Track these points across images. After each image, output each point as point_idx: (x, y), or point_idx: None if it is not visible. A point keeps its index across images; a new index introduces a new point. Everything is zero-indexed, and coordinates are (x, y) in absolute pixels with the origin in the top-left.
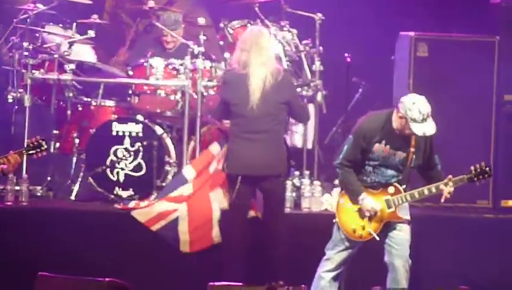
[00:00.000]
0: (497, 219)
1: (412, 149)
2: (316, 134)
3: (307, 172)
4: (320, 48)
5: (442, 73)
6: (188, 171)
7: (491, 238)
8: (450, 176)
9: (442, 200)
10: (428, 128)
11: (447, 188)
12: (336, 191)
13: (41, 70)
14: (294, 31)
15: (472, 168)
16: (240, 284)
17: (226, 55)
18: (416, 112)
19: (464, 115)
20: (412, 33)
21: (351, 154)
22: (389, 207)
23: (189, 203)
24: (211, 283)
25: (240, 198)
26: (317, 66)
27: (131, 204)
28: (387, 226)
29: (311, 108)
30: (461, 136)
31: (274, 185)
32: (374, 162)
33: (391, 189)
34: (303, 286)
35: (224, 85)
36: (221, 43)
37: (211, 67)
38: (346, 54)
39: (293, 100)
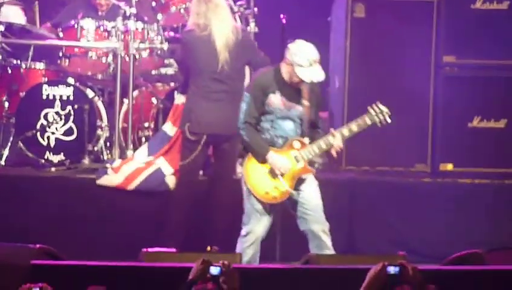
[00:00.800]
0: (435, 182)
1: (306, 103)
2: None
3: None
4: (255, 9)
5: (379, 35)
6: (169, 127)
7: (430, 203)
8: (332, 129)
9: (333, 152)
10: (315, 74)
11: (335, 140)
12: (239, 160)
13: None
14: None
15: (369, 108)
16: (174, 250)
17: (159, 16)
18: (302, 57)
19: (403, 77)
20: None
21: (253, 110)
22: (298, 162)
23: (166, 156)
24: (144, 249)
25: (196, 160)
26: (252, 27)
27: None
28: (296, 190)
29: (246, 70)
30: (399, 98)
31: (233, 147)
32: (271, 115)
33: (296, 143)
34: (238, 252)
35: (185, 47)
36: (154, 4)
37: (143, 29)
38: (281, 15)
39: (254, 58)
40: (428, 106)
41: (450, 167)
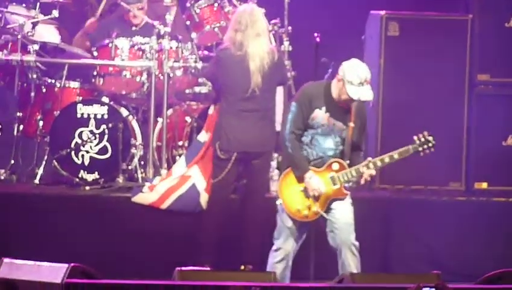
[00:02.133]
0: (469, 201)
1: (352, 124)
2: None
3: (275, 155)
4: (289, 27)
5: (413, 53)
6: (202, 135)
7: (464, 222)
8: (370, 158)
9: (362, 182)
10: (364, 93)
11: (368, 170)
12: (277, 173)
13: (4, 51)
14: (262, 10)
15: (415, 138)
16: (207, 268)
17: (193, 35)
18: (353, 75)
19: (437, 96)
20: (382, 12)
21: (298, 121)
22: (334, 184)
23: (199, 164)
24: (178, 268)
25: (227, 178)
26: (286, 46)
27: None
28: (328, 209)
29: (279, 89)
30: (434, 117)
31: (265, 163)
32: (313, 130)
33: (335, 165)
34: (272, 271)
35: (218, 64)
36: (188, 23)
37: (177, 47)
38: (315, 34)
39: (285, 78)
40: (462, 124)
41: (484, 185)
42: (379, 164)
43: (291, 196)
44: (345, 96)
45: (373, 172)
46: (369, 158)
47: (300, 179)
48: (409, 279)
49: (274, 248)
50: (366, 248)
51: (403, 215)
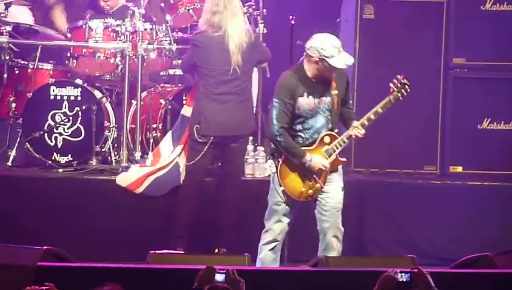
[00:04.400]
0: (444, 185)
1: (335, 92)
2: (260, 99)
3: (250, 138)
4: (264, 10)
5: (389, 36)
6: (186, 109)
7: (439, 205)
8: (355, 122)
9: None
10: (347, 58)
11: (358, 130)
12: (269, 162)
13: None
14: None
15: (392, 85)
16: (181, 252)
17: (167, 17)
18: (330, 48)
19: (412, 79)
20: None
21: (284, 115)
22: (330, 156)
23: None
24: (152, 251)
25: (202, 162)
26: (261, 28)
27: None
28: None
29: (254, 72)
30: (408, 100)
31: (241, 147)
32: (301, 117)
33: (327, 138)
34: (246, 254)
35: (196, 49)
36: (162, 4)
37: (151, 29)
38: (290, 17)
39: (262, 58)
40: (437, 108)
41: (459, 169)
42: (366, 123)
43: (292, 181)
44: (329, 74)
45: (363, 131)
46: (354, 121)
47: (301, 165)
48: (383, 262)
49: (264, 229)
50: None
51: (378, 199)
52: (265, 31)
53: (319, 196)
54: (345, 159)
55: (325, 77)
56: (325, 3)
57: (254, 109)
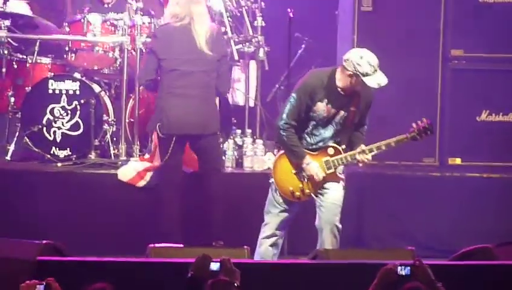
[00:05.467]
0: (443, 177)
1: (353, 108)
2: (258, 91)
3: (248, 130)
4: (262, 3)
5: (387, 28)
6: None
7: (438, 197)
8: (362, 146)
9: (361, 165)
10: (381, 78)
11: (365, 156)
12: (268, 154)
13: None
14: None
15: (414, 126)
16: (181, 245)
17: (165, 11)
18: (366, 66)
19: (410, 71)
20: None
21: (295, 113)
22: (329, 168)
23: None
24: (151, 245)
25: (173, 158)
26: (259, 21)
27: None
28: (320, 188)
29: (252, 64)
30: (407, 92)
31: (210, 142)
32: (313, 121)
33: (331, 150)
34: (245, 247)
35: (157, 40)
36: None
37: (149, 23)
38: (288, 9)
39: (224, 58)
40: (436, 99)
41: (458, 161)
42: (375, 151)
43: (285, 177)
44: (359, 87)
45: (369, 157)
46: (362, 146)
47: (297, 165)
48: (383, 255)
49: (264, 222)
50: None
51: (377, 191)
52: (263, 24)
53: (319, 192)
54: (343, 177)
55: (353, 91)
56: None
57: (250, 103)
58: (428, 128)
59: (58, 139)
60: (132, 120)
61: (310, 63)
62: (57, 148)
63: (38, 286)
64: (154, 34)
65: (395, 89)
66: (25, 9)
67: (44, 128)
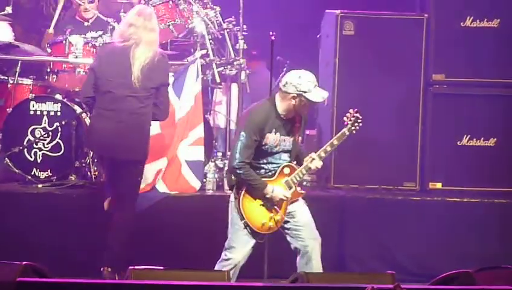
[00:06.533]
0: (424, 201)
1: (297, 128)
2: (240, 114)
3: (229, 153)
4: (244, 26)
5: (368, 52)
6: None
7: (418, 221)
8: (312, 153)
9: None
10: (322, 92)
11: (317, 162)
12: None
13: None
14: (218, 8)
15: (345, 118)
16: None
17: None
18: (306, 83)
19: (391, 95)
20: (337, 11)
21: (248, 152)
22: (290, 187)
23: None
24: (131, 267)
25: (107, 178)
26: (241, 44)
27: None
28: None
29: (234, 87)
30: (388, 116)
31: (131, 171)
32: (267, 151)
33: (286, 169)
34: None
35: (97, 58)
36: None
37: None
38: (270, 32)
39: (163, 87)
40: (417, 124)
41: (439, 185)
42: (323, 154)
43: (253, 213)
44: (303, 109)
45: (320, 163)
46: (312, 153)
47: (262, 195)
48: (363, 279)
49: (223, 257)
50: (321, 246)
51: (358, 214)
52: (245, 47)
53: (287, 218)
54: (304, 192)
55: (296, 114)
56: (305, 20)
57: (231, 125)
58: (358, 117)
59: (39, 160)
60: None
61: None
62: (38, 170)
63: None
64: (97, 51)
65: (376, 113)
66: (6, 31)
67: (25, 150)
